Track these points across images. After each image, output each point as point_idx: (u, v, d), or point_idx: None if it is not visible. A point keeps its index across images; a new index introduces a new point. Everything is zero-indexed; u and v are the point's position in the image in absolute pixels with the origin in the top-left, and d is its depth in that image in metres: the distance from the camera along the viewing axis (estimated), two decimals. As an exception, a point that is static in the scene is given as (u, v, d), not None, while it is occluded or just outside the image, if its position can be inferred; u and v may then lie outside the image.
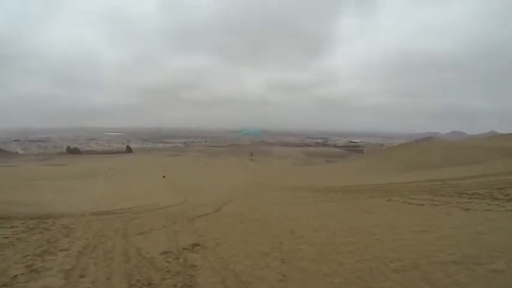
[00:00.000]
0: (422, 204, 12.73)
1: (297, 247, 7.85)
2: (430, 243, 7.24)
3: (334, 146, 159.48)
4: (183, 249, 7.76)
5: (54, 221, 11.00)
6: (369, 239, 8.17)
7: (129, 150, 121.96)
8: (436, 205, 12.22)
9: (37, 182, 39.26)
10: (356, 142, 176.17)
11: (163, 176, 44.74)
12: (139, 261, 6.82)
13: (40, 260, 6.61)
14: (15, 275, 5.72)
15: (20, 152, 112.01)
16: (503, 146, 46.89)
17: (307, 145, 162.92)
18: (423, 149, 57.02)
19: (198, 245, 8.17)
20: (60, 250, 7.51)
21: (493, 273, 5.12)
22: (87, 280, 5.61)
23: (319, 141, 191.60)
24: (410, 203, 13.47)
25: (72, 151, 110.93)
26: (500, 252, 6.00)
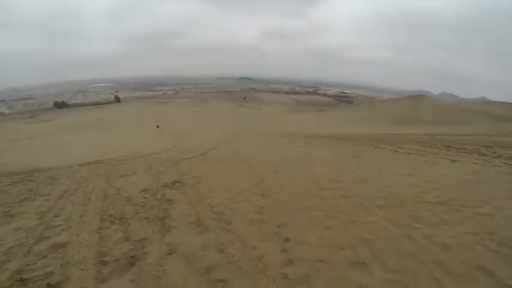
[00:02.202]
0: (409, 153, 12.64)
1: (279, 183, 7.67)
2: (416, 185, 7.12)
3: (325, 95, 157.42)
4: (163, 186, 7.57)
5: (40, 173, 10.76)
6: (354, 178, 8.01)
7: (117, 100, 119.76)
8: (423, 154, 12.15)
9: (24, 140, 38.66)
10: (347, 93, 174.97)
11: (157, 126, 43.23)
12: (116, 199, 6.63)
13: (18, 206, 6.43)
14: (-12, 221, 5.49)
15: (6, 112, 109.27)
16: (491, 112, 47.58)
17: (297, 93, 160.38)
18: (413, 105, 57.15)
19: (178, 182, 7.99)
20: (40, 196, 7.29)
21: (481, 215, 5.00)
22: (60, 219, 5.44)
23: (310, 89, 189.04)
24: (397, 151, 13.36)
25: (60, 105, 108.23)
26: (487, 198, 5.91)
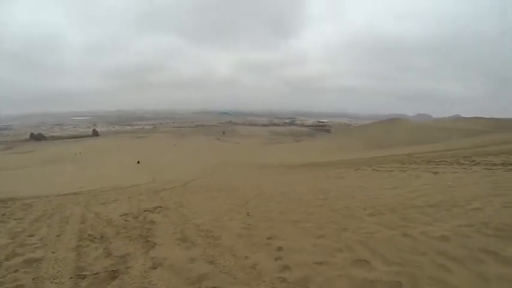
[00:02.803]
0: (391, 171, 12.79)
1: (264, 203, 7.56)
2: (402, 195, 7.14)
3: (302, 125, 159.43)
4: (144, 210, 7.28)
5: (15, 201, 10.32)
6: (339, 196, 7.96)
7: (95, 133, 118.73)
8: (404, 170, 12.31)
9: (1, 171, 37.83)
10: (324, 122, 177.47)
11: (138, 162, 42.06)
12: (95, 222, 6.30)
13: None
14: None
15: None
16: (463, 128, 49.21)
17: (275, 125, 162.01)
18: (389, 129, 58.54)
19: (160, 207, 7.72)
20: (14, 219, 6.88)
21: (472, 210, 5.00)
22: (35, 238, 5.13)
23: (287, 121, 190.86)
24: (378, 170, 13.52)
25: (36, 137, 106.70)
26: (474, 197, 5.96)
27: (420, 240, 3.85)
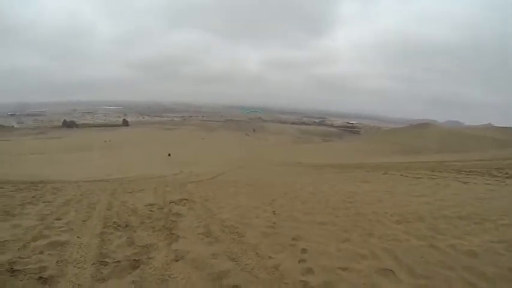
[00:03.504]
0: (420, 177, 12.51)
1: (290, 203, 7.46)
2: (431, 204, 6.99)
3: (331, 125, 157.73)
4: (170, 202, 7.32)
5: (45, 184, 10.63)
6: (366, 200, 7.83)
7: (125, 123, 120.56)
8: (433, 178, 12.01)
9: (33, 155, 38.87)
10: (353, 123, 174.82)
11: (169, 155, 41.63)
12: (121, 210, 6.42)
13: (20, 208, 6.27)
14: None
15: (16, 126, 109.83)
16: (496, 137, 47.72)
17: (304, 123, 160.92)
18: (420, 134, 57.33)
19: (186, 199, 7.72)
20: (43, 202, 7.12)
21: (503, 226, 4.85)
22: (61, 222, 5.26)
23: (317, 120, 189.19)
24: (406, 176, 13.24)
25: (69, 124, 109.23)
26: (506, 212, 5.79)
27: (448, 254, 3.76)
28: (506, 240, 4.10)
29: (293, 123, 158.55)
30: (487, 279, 3.09)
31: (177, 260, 3.74)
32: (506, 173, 11.92)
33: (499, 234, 4.44)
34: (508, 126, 64.96)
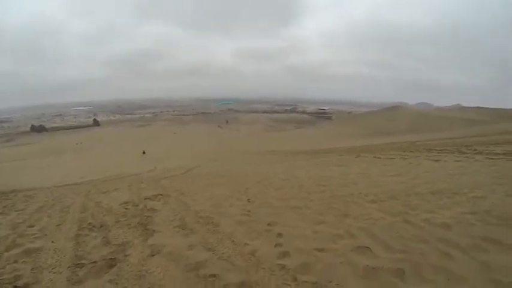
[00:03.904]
0: (392, 158, 12.74)
1: (264, 191, 7.46)
2: (404, 182, 7.10)
3: (303, 112, 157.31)
4: (145, 198, 7.24)
5: (17, 193, 10.34)
6: (340, 182, 7.88)
7: (96, 123, 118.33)
8: (406, 158, 12.26)
9: (1, 164, 37.85)
10: (325, 109, 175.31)
11: (144, 152, 40.78)
12: (95, 211, 6.29)
13: None
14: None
15: None
16: (464, 117, 49.01)
17: (276, 112, 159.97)
18: (390, 117, 58.33)
19: (161, 194, 7.68)
20: (15, 211, 6.96)
21: (474, 199, 4.95)
22: (35, 228, 5.17)
23: (288, 108, 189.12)
24: (379, 158, 13.46)
25: (37, 129, 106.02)
26: (478, 185, 5.93)
27: (422, 228, 3.80)
28: (477, 212, 4.18)
29: (265, 112, 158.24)
30: (461, 249, 3.13)
31: (153, 255, 3.69)
32: (475, 150, 12.25)
33: (471, 206, 4.52)
34: (474, 106, 66.85)
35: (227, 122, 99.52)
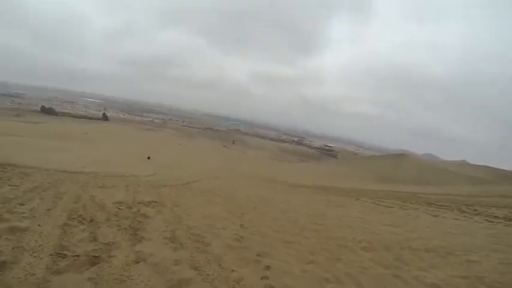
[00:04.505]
0: (391, 207, 12.67)
1: (260, 218, 7.42)
2: (400, 234, 7.05)
3: (310, 146, 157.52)
4: (139, 203, 7.17)
5: (14, 168, 10.34)
6: (337, 224, 7.84)
7: (105, 118, 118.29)
8: (405, 209, 12.20)
9: (6, 137, 37.96)
10: (331, 146, 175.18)
11: (148, 158, 40.44)
12: (88, 204, 6.25)
13: None
14: None
15: None
16: (469, 174, 48.58)
17: (283, 141, 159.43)
18: (396, 165, 57.91)
19: (156, 202, 7.59)
20: (9, 185, 6.92)
21: (468, 262, 4.92)
22: (25, 207, 5.12)
23: (295, 139, 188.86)
24: (378, 204, 13.39)
25: (47, 111, 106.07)
26: (472, 248, 5.89)
27: (412, 285, 3.77)
28: (469, 276, 4.14)
29: (272, 139, 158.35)
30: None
31: (138, 262, 3.65)
32: (475, 210, 12.18)
33: (463, 270, 4.48)
34: (481, 164, 66.25)
35: (233, 142, 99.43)
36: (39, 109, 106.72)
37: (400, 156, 67.20)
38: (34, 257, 3.38)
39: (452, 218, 10.33)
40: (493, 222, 9.75)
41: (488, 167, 60.55)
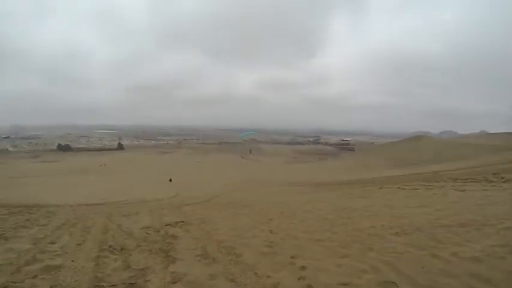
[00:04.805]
0: (416, 189, 12.50)
1: (288, 221, 7.40)
2: (429, 214, 6.95)
3: (326, 144, 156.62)
4: (166, 225, 7.20)
5: (40, 208, 10.53)
6: (364, 214, 7.78)
7: (120, 147, 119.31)
8: (430, 189, 12.01)
9: (27, 179, 38.65)
10: (347, 140, 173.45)
11: (170, 180, 40.20)
12: (116, 233, 6.33)
13: (13, 232, 6.19)
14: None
15: (10, 149, 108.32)
16: (490, 144, 47.70)
17: (299, 143, 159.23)
18: (413, 147, 57.30)
19: (182, 222, 7.63)
20: (37, 225, 7.05)
21: (504, 230, 4.81)
22: (56, 246, 5.19)
23: (311, 139, 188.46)
24: (403, 189, 13.22)
25: (63, 148, 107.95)
26: (506, 216, 5.77)
27: (451, 262, 3.70)
28: (508, 244, 4.06)
29: (288, 143, 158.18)
30: (491, 284, 3.04)
31: (174, 282, 3.66)
32: (502, 178, 11.96)
33: (500, 238, 4.40)
34: (501, 132, 64.98)
35: (251, 151, 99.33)
36: (55, 148, 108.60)
37: (415, 139, 66.58)
38: (73, 292, 3.37)
39: (481, 190, 10.13)
40: (523, 187, 9.56)
41: (508, 133, 59.43)
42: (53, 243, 5.35)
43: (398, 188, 13.73)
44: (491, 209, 6.71)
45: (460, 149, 46.73)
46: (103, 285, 3.59)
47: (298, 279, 3.61)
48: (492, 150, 40.50)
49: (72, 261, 4.38)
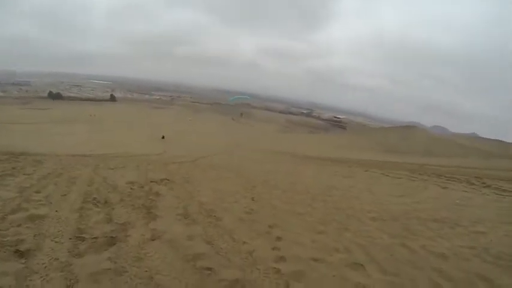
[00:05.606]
0: (400, 178, 12.66)
1: (270, 191, 7.57)
2: (408, 205, 7.13)
3: (318, 118, 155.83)
4: (151, 181, 7.28)
5: (27, 157, 10.44)
6: (346, 195, 7.96)
7: (113, 99, 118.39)
8: (413, 180, 12.18)
9: (15, 125, 38.23)
10: (340, 118, 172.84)
11: (163, 137, 39.67)
12: (101, 186, 6.37)
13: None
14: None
15: (0, 94, 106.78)
16: (481, 148, 48.05)
17: (291, 113, 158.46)
18: (405, 136, 57.56)
19: (167, 179, 7.72)
20: (24, 174, 6.97)
21: (475, 233, 4.98)
22: (41, 195, 5.20)
23: (304, 111, 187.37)
24: (388, 175, 13.37)
25: (54, 96, 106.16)
26: (479, 220, 5.92)
27: (419, 254, 3.86)
28: (475, 247, 4.22)
29: (281, 112, 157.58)
30: (453, 282, 3.19)
31: (153, 240, 3.75)
32: (484, 183, 12.11)
33: (470, 240, 4.56)
34: (491, 138, 65.39)
35: (241, 114, 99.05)
36: (46, 95, 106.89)
37: (408, 128, 66.83)
38: (55, 242, 3.49)
39: (461, 190, 10.29)
40: (501, 195, 9.69)
41: (499, 140, 59.87)
42: (38, 192, 5.38)
43: (382, 173, 13.88)
44: (466, 211, 6.88)
45: (451, 147, 47.12)
46: (85, 237, 3.67)
47: (273, 249, 3.76)
48: (480, 155, 40.95)
49: (56, 211, 4.44)
